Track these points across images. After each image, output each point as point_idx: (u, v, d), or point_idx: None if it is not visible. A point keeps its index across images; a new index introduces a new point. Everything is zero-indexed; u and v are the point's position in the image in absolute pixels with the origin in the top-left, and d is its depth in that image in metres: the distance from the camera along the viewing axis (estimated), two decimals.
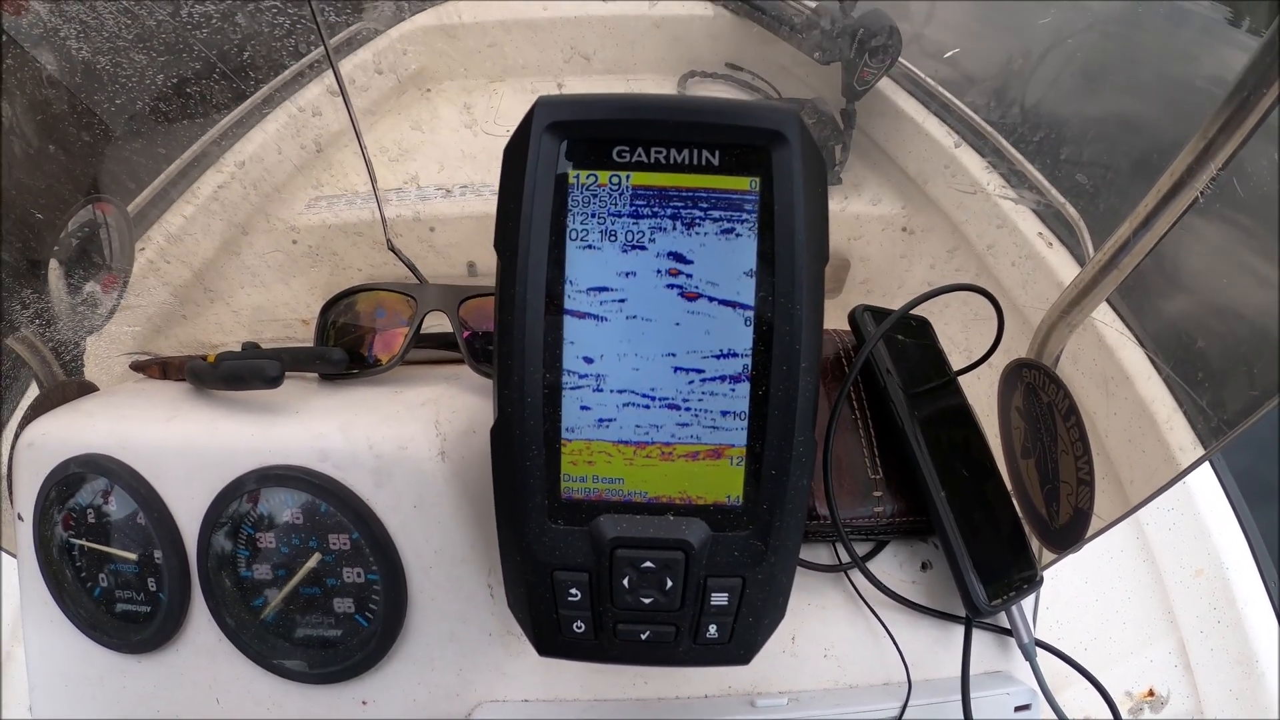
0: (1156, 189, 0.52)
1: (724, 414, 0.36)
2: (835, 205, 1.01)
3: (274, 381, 0.48)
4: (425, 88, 1.03)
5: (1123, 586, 0.87)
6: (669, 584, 0.36)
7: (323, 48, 0.84)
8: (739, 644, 0.39)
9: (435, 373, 0.56)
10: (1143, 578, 0.86)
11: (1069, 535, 0.50)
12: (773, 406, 0.35)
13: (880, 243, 1.03)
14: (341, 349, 0.53)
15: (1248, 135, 0.45)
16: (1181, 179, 0.50)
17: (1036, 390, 0.53)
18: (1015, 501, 0.54)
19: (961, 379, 0.55)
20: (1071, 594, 0.86)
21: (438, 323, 0.55)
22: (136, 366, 0.63)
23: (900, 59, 0.98)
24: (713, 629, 0.38)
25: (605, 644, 0.38)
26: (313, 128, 0.91)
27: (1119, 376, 0.80)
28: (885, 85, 1.02)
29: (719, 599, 0.37)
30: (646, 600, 0.37)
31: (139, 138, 0.76)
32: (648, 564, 0.36)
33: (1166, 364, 0.86)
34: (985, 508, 0.51)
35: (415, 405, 0.50)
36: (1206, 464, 0.87)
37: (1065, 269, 0.88)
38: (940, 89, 1.00)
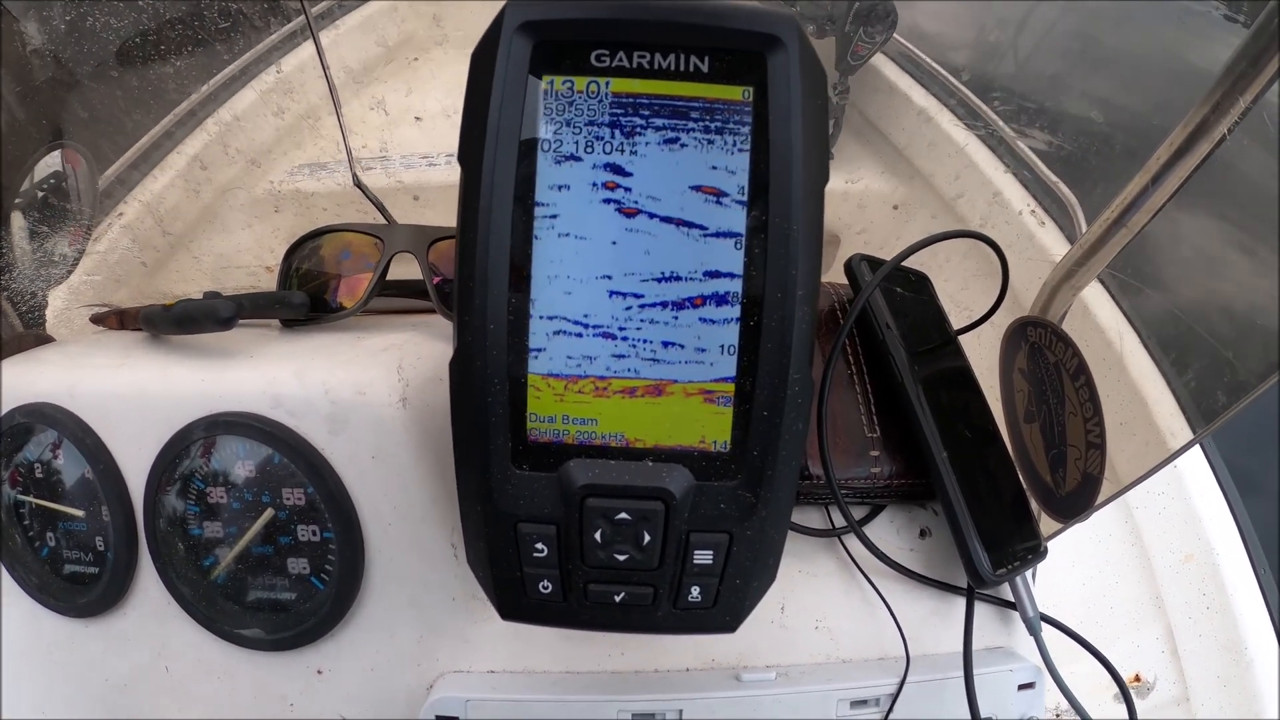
0: (1169, 142, 0.47)
1: (711, 347, 0.30)
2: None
3: (227, 323, 0.42)
4: (413, 56, 0.97)
5: (1111, 570, 0.81)
6: (646, 539, 0.31)
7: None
8: (724, 609, 0.33)
9: (403, 320, 0.50)
10: (1131, 562, 0.81)
11: (1076, 502, 0.44)
12: (765, 339, 0.30)
13: (871, 219, 0.98)
14: (304, 293, 0.47)
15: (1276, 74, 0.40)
16: (1199, 127, 0.44)
17: (1042, 350, 0.47)
18: (1018, 468, 0.48)
19: (959, 340, 0.50)
20: (1058, 576, 0.81)
21: (409, 270, 0.49)
22: (96, 319, 0.57)
23: (895, 35, 0.93)
24: (695, 591, 0.32)
25: (575, 607, 0.33)
26: (295, 94, 0.85)
27: (1111, 358, 0.75)
28: (879, 60, 0.96)
29: (703, 557, 0.32)
30: (621, 557, 0.31)
31: (113, 87, 0.69)
32: (622, 515, 0.30)
33: (1159, 347, 0.82)
34: (988, 473, 0.45)
35: (377, 350, 0.44)
36: (1198, 450, 0.82)
37: (1058, 247, 0.83)
38: (935, 65, 0.94)
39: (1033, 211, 0.84)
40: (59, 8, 0.63)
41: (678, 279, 0.30)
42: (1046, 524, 0.49)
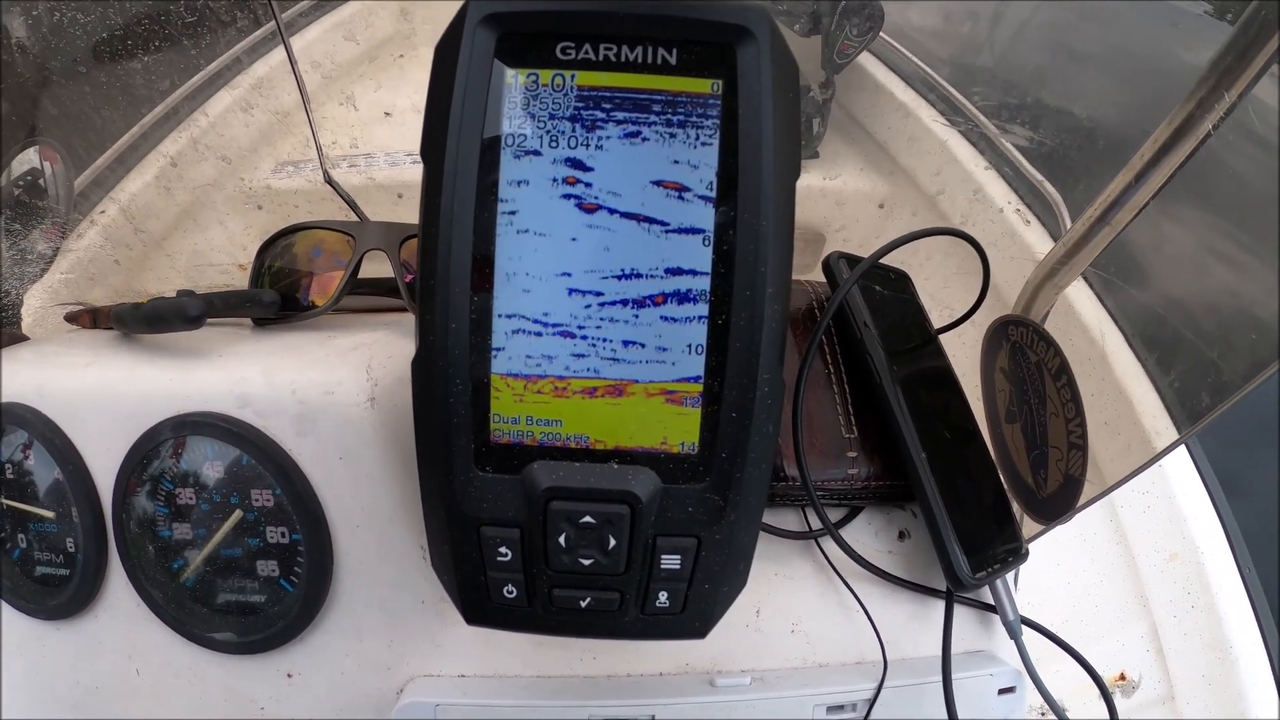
0: (1154, 138, 0.46)
1: (674, 346, 0.29)
2: (812, 180, 0.95)
3: (196, 321, 0.41)
4: (399, 53, 0.96)
5: (1095, 569, 0.80)
6: (612, 543, 0.30)
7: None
8: (693, 615, 0.32)
9: (375, 319, 0.49)
10: (1115, 561, 0.80)
11: (1058, 504, 0.44)
12: (734, 338, 0.29)
13: (855, 216, 0.97)
14: (275, 292, 0.46)
15: (1264, 66, 0.39)
16: (1184, 124, 0.44)
17: (1024, 349, 0.46)
18: (999, 469, 0.47)
19: (939, 339, 0.49)
20: (1042, 576, 0.80)
21: (382, 269, 0.48)
22: (70, 317, 0.56)
23: (881, 34, 0.92)
24: (663, 597, 0.31)
25: (540, 612, 0.32)
26: (265, 90, 0.83)
27: (1096, 358, 0.74)
28: (865, 59, 0.95)
29: (670, 562, 0.31)
30: (586, 562, 0.30)
31: (84, 84, 0.68)
32: (587, 519, 0.30)
33: (1143, 346, 0.81)
34: (968, 474, 0.44)
35: (347, 350, 0.43)
36: (1183, 448, 0.81)
37: (1041, 244, 0.82)
38: (921, 64, 0.93)
39: (1016, 210, 0.83)
40: (33, 6, 0.62)
41: (638, 276, 0.29)
42: (1028, 526, 0.48)
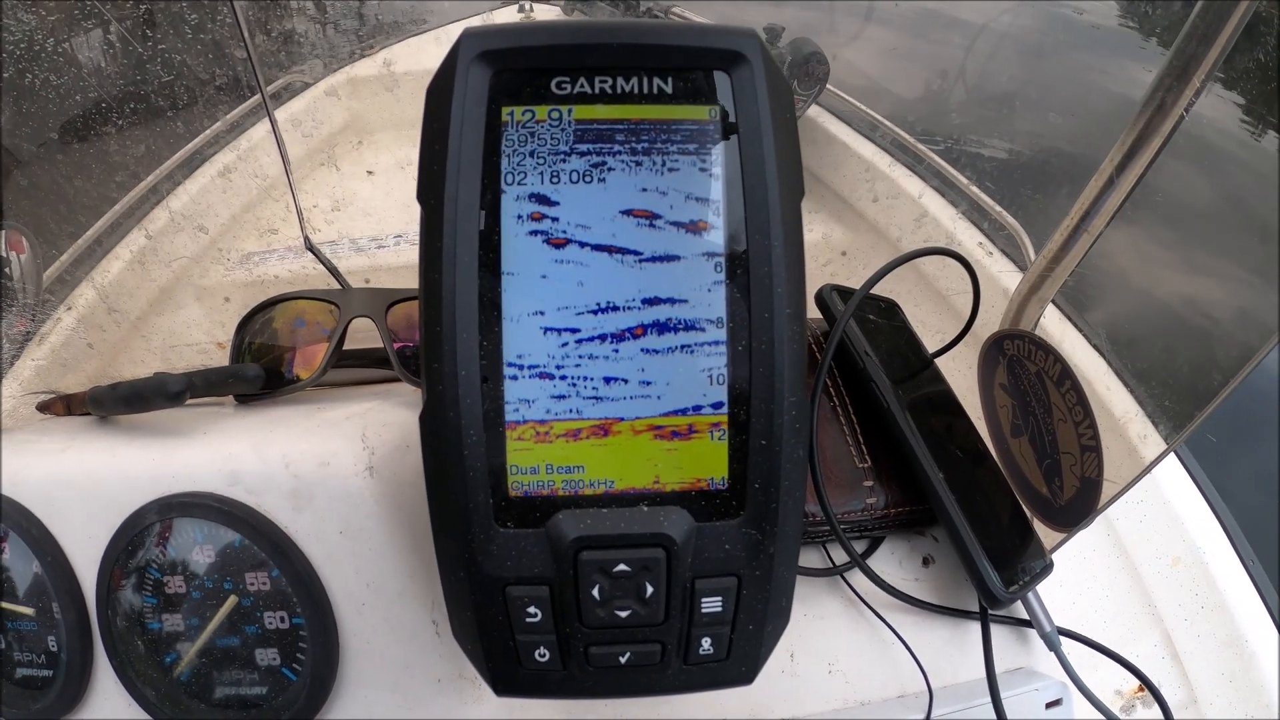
0: (1120, 142, 0.46)
1: (699, 375, 0.27)
2: None
3: (177, 398, 0.38)
4: (358, 139, 0.95)
5: (1098, 585, 0.79)
6: (649, 590, 0.27)
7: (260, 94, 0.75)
8: (739, 659, 0.29)
9: (364, 391, 0.47)
10: (1118, 573, 0.78)
11: (1078, 509, 0.42)
12: (756, 363, 0.27)
13: (819, 267, 0.97)
14: (258, 366, 0.43)
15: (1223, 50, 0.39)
16: (1154, 116, 0.44)
17: (1022, 361, 0.45)
18: (1011, 483, 0.46)
19: (935, 363, 0.48)
20: (1047, 597, 0.79)
21: (368, 339, 0.46)
22: (42, 406, 0.53)
23: (828, 85, 0.94)
24: (706, 643, 0.29)
25: (576, 674, 0.29)
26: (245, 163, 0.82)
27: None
28: (814, 112, 0.97)
29: (711, 605, 0.28)
30: (623, 614, 0.28)
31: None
32: (621, 567, 0.27)
33: (1121, 361, 0.82)
34: (984, 492, 0.43)
35: (339, 420, 0.40)
36: (1171, 454, 0.81)
37: (1007, 276, 0.83)
38: (868, 110, 0.95)
39: (980, 244, 0.84)
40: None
41: (661, 302, 0.27)
42: (1048, 536, 0.46)
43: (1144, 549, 0.78)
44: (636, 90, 0.28)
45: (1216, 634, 0.73)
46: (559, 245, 0.27)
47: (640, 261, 0.27)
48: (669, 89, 0.28)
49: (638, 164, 0.28)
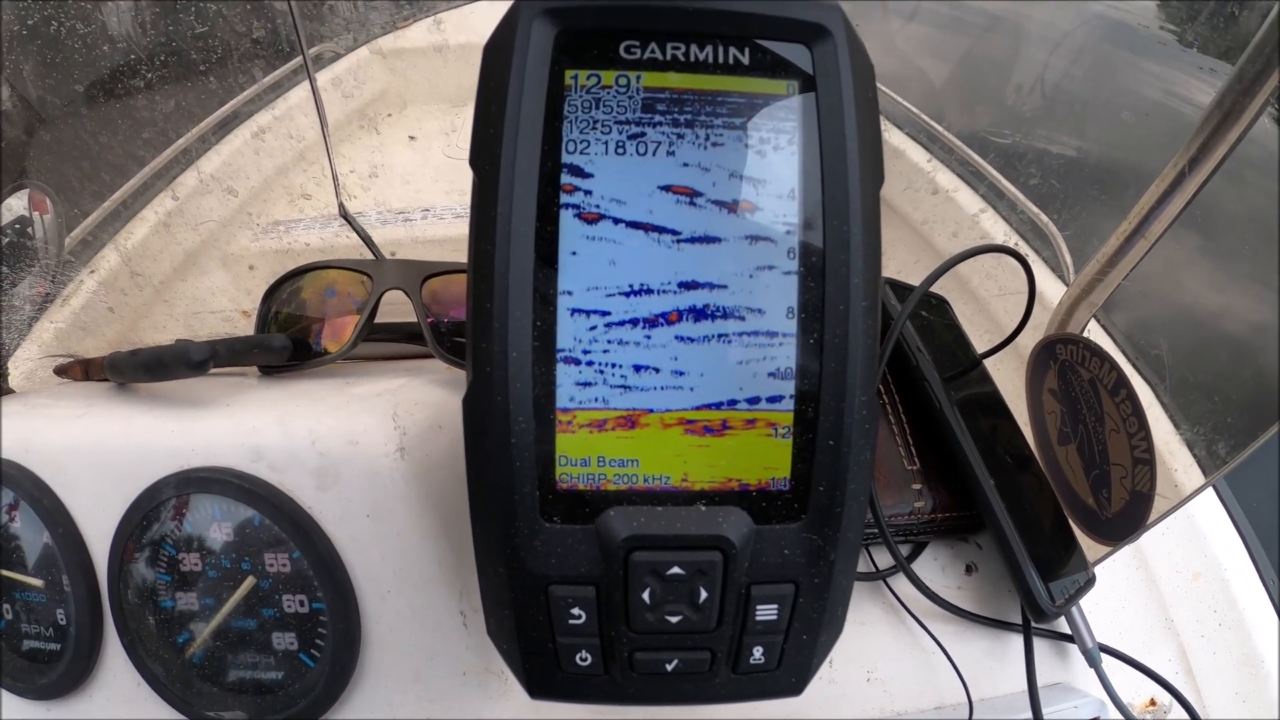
0: (1186, 146, 0.44)
1: (765, 366, 0.25)
2: None
3: (200, 367, 0.36)
4: (387, 112, 0.92)
5: (1116, 594, 0.77)
6: (703, 595, 0.25)
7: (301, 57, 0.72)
8: (789, 670, 0.27)
9: (396, 366, 0.44)
10: (1137, 584, 0.76)
11: (1126, 523, 0.40)
12: (827, 357, 0.25)
13: None
14: (285, 337, 0.41)
15: None
16: (1221, 124, 0.41)
17: (1075, 367, 0.43)
18: (1056, 492, 0.44)
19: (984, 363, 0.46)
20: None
21: (399, 313, 0.44)
22: (60, 370, 0.51)
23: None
24: (758, 652, 0.27)
25: (619, 679, 0.27)
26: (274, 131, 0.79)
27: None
28: None
29: (766, 613, 0.26)
30: (673, 619, 0.26)
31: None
32: (675, 570, 0.25)
33: (1163, 388, 0.79)
34: (1030, 500, 0.41)
35: (369, 397, 0.38)
36: (1195, 468, 0.79)
37: (1043, 282, 0.80)
38: (910, 106, 0.92)
39: (1015, 245, 0.81)
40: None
41: (723, 287, 0.25)
42: (1091, 549, 0.44)
43: (1165, 562, 0.76)
44: (711, 59, 0.25)
45: (1233, 652, 0.71)
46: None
47: (699, 242, 0.25)
48: (745, 60, 0.25)
49: (707, 139, 0.25)
